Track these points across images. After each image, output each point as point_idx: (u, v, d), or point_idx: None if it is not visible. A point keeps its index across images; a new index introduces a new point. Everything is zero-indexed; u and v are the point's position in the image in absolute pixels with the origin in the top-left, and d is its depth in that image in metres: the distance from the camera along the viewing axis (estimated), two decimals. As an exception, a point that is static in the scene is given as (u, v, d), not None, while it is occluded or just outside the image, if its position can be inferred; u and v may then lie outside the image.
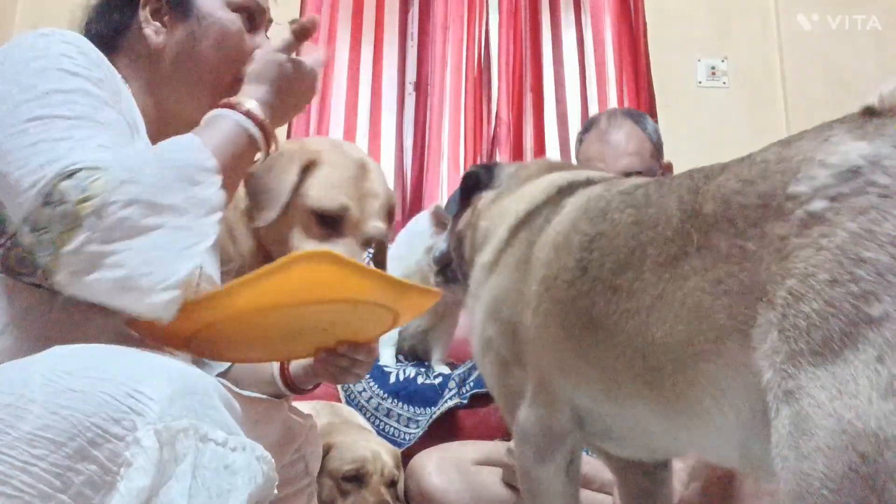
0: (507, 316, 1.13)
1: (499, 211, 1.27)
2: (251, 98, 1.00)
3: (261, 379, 1.28)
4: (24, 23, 3.09)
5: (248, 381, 1.24)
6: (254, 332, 0.97)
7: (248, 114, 0.98)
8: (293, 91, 1.06)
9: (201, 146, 0.90)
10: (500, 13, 3.32)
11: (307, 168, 1.18)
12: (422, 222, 2.31)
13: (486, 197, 1.35)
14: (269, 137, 1.01)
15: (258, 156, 1.03)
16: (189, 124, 1.03)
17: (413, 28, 3.30)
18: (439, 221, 2.16)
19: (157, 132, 1.05)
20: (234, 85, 1.05)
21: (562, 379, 1.06)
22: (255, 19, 1.11)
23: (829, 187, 0.73)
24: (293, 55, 1.07)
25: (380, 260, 1.34)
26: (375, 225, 1.21)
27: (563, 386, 1.07)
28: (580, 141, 1.97)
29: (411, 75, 3.26)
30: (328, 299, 0.91)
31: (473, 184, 1.40)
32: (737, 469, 1.04)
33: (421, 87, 3.22)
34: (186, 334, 0.92)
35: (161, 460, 0.66)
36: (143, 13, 1.07)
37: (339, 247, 1.14)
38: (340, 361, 1.12)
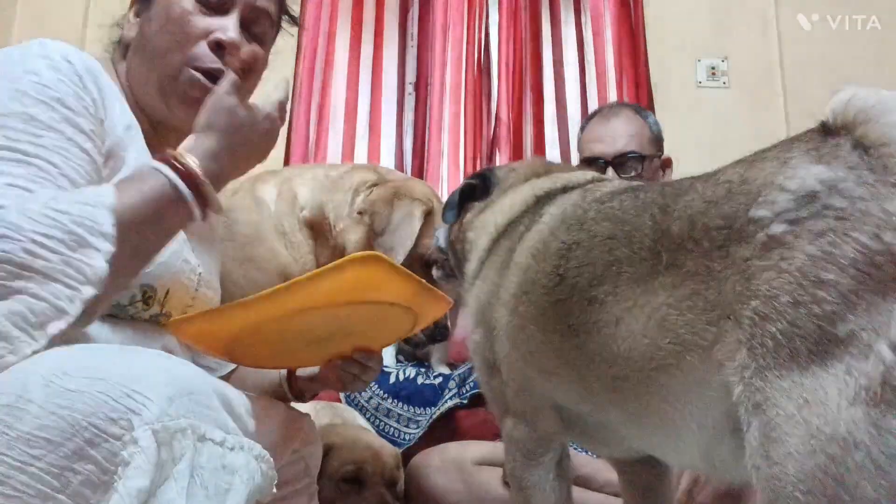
0: (488, 320, 1.15)
1: (482, 223, 1.30)
2: (193, 152, 0.89)
3: (266, 382, 1.29)
4: (24, 22, 3.09)
5: (252, 384, 1.25)
6: (289, 337, 0.99)
7: (184, 171, 0.86)
8: (247, 141, 0.94)
9: (106, 206, 0.80)
10: (500, 13, 3.31)
11: (426, 215, 1.28)
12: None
13: (474, 208, 1.37)
14: (205, 199, 0.88)
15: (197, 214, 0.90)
16: (153, 118, 1.05)
17: (413, 28, 3.30)
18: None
19: (150, 129, 1.07)
20: (182, 70, 1.03)
21: (541, 380, 1.08)
22: (217, 2, 1.06)
23: (788, 211, 0.76)
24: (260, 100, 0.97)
25: None
26: None
27: (543, 387, 1.09)
28: (582, 129, 2.03)
29: (411, 75, 3.25)
30: (370, 300, 0.94)
31: (469, 193, 1.42)
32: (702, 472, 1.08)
33: (421, 87, 3.22)
34: (231, 336, 0.93)
35: (159, 460, 0.66)
36: (129, 13, 1.10)
37: None
38: (352, 368, 1.14)
